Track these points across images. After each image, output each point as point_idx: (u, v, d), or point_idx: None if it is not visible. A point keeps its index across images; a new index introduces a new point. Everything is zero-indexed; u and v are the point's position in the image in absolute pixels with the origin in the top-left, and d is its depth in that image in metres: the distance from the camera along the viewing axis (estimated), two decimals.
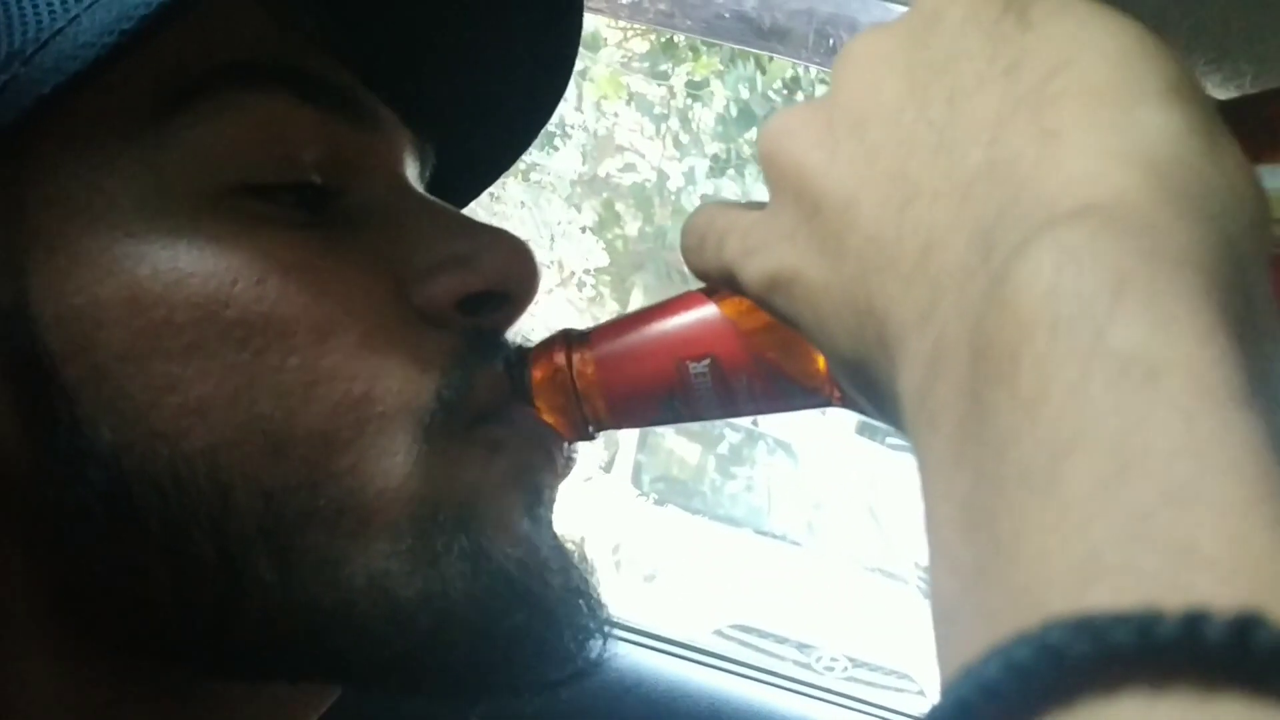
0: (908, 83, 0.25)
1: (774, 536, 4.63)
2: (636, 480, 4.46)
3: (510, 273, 0.38)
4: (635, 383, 0.36)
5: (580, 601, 0.37)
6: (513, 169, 0.50)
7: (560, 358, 0.37)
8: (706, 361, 0.35)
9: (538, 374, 0.37)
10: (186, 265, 0.33)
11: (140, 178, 0.34)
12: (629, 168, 5.09)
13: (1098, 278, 0.18)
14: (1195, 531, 0.16)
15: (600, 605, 0.38)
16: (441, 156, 0.43)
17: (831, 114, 0.27)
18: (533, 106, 0.47)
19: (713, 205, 0.33)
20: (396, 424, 0.35)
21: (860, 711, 0.92)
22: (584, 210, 5.24)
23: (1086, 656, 0.15)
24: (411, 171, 0.41)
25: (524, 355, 0.38)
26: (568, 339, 0.37)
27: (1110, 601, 0.15)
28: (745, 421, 5.18)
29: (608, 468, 4.41)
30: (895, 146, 0.25)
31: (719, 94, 4.96)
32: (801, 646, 3.86)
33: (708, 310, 0.35)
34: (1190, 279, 0.18)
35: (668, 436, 4.76)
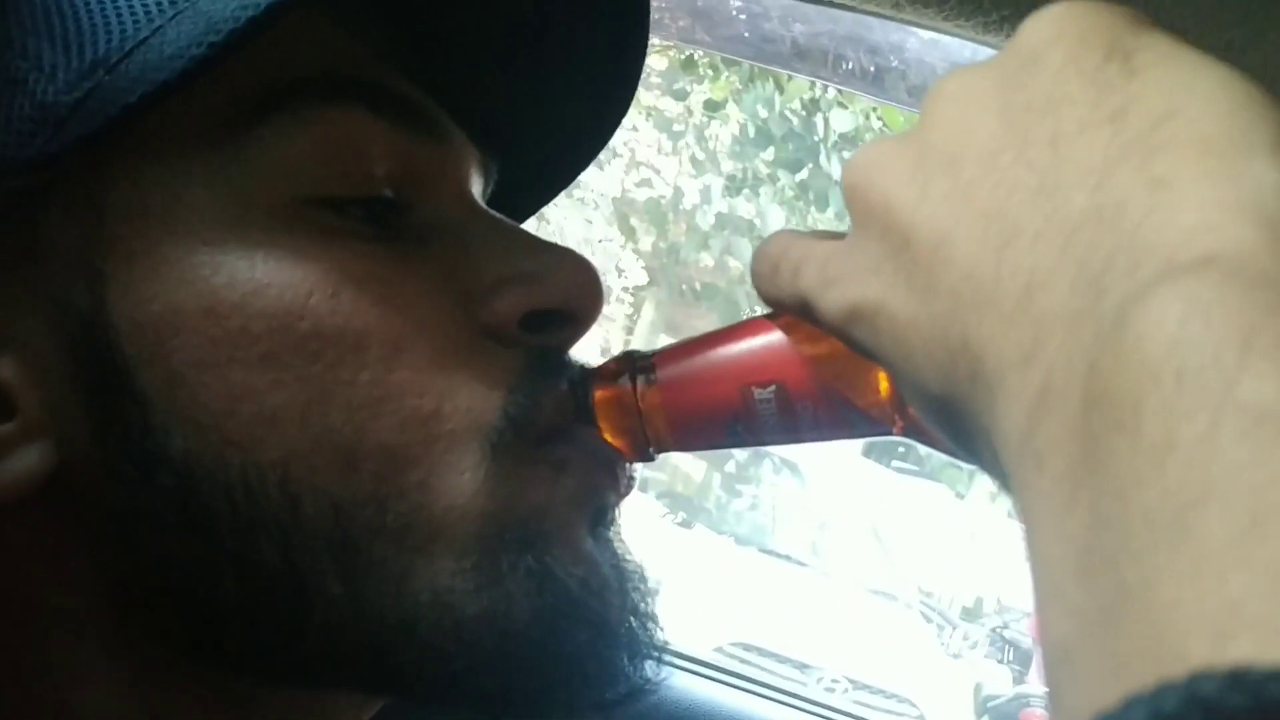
0: (1005, 124, 0.25)
1: (778, 555, 4.63)
2: (641, 494, 4.47)
3: (575, 291, 0.38)
4: (699, 406, 0.36)
5: (639, 622, 0.37)
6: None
7: (625, 379, 0.37)
8: (772, 388, 0.35)
9: (601, 395, 0.37)
10: (263, 276, 0.34)
11: (218, 188, 0.34)
12: (645, 183, 5.11)
13: (1225, 329, 0.19)
14: None
15: (657, 625, 0.38)
16: (502, 173, 0.44)
17: (922, 150, 0.27)
18: (595, 125, 0.47)
19: (787, 233, 0.33)
20: (465, 441, 0.35)
21: None
22: (596, 224, 5.26)
23: (1240, 710, 0.15)
24: (477, 188, 0.41)
25: (588, 375, 0.38)
26: (632, 360, 0.37)
27: (1255, 655, 0.16)
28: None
29: None
30: (993, 186, 0.25)
31: (735, 114, 4.97)
32: (802, 667, 3.86)
33: (774, 337, 0.35)
34: None
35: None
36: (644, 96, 4.95)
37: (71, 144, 0.32)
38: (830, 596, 4.49)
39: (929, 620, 5.10)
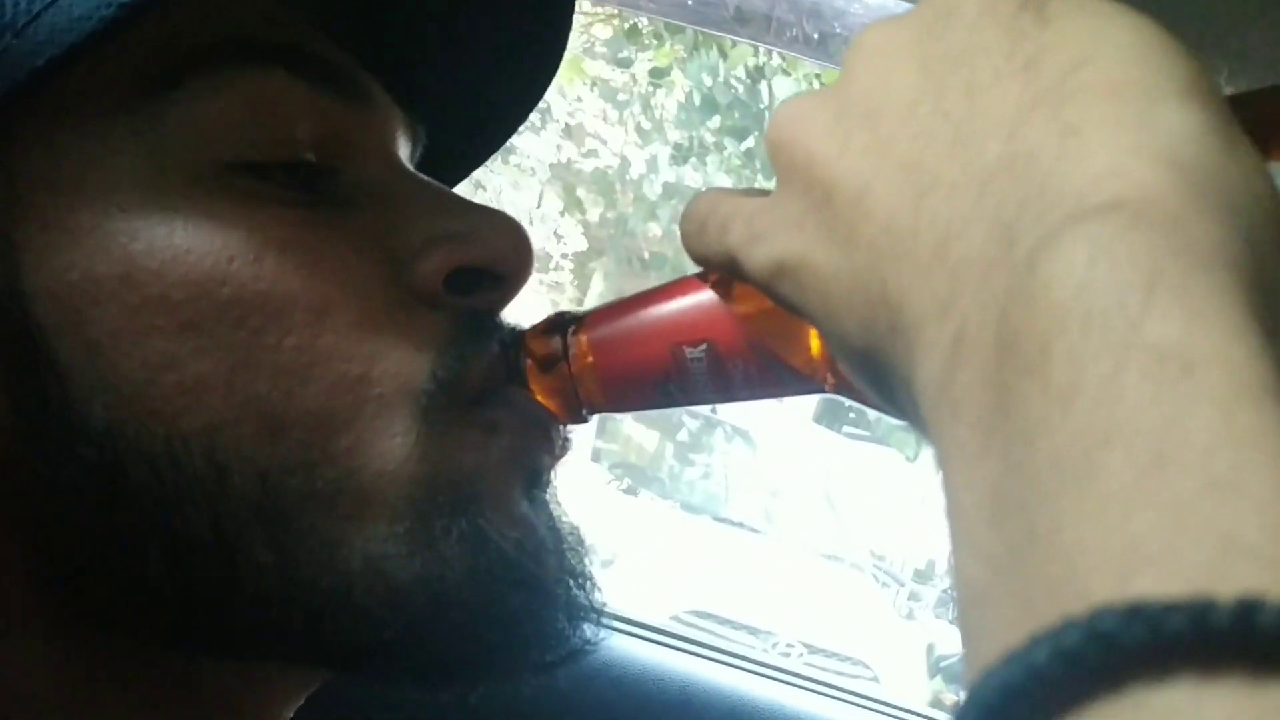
0: (922, 75, 0.25)
1: (731, 523, 4.66)
2: (595, 465, 4.47)
3: (503, 250, 0.38)
4: (630, 367, 0.36)
5: (575, 582, 0.37)
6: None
7: (556, 341, 0.37)
8: (703, 347, 0.35)
9: (533, 357, 0.37)
10: (182, 242, 0.33)
11: (135, 153, 0.34)
12: (591, 154, 5.08)
13: (1131, 272, 0.19)
14: (1237, 522, 0.16)
15: (594, 587, 0.38)
16: (431, 138, 0.43)
17: (843, 104, 0.27)
18: (522, 90, 0.46)
19: (715, 191, 0.33)
20: (394, 405, 0.35)
21: (828, 696, 0.93)
22: (546, 196, 5.22)
23: (1139, 642, 0.15)
24: (404, 151, 0.40)
25: (519, 337, 0.38)
26: (563, 322, 0.37)
27: (1157, 590, 0.16)
28: (704, 409, 5.20)
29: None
30: (910, 138, 0.25)
31: (681, 82, 4.96)
32: (757, 633, 3.89)
33: (704, 296, 0.35)
34: (1220, 275, 0.19)
35: (626, 422, 4.76)
36: (589, 66, 4.92)
37: None
38: (784, 562, 4.53)
39: (882, 583, 5.16)
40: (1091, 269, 0.19)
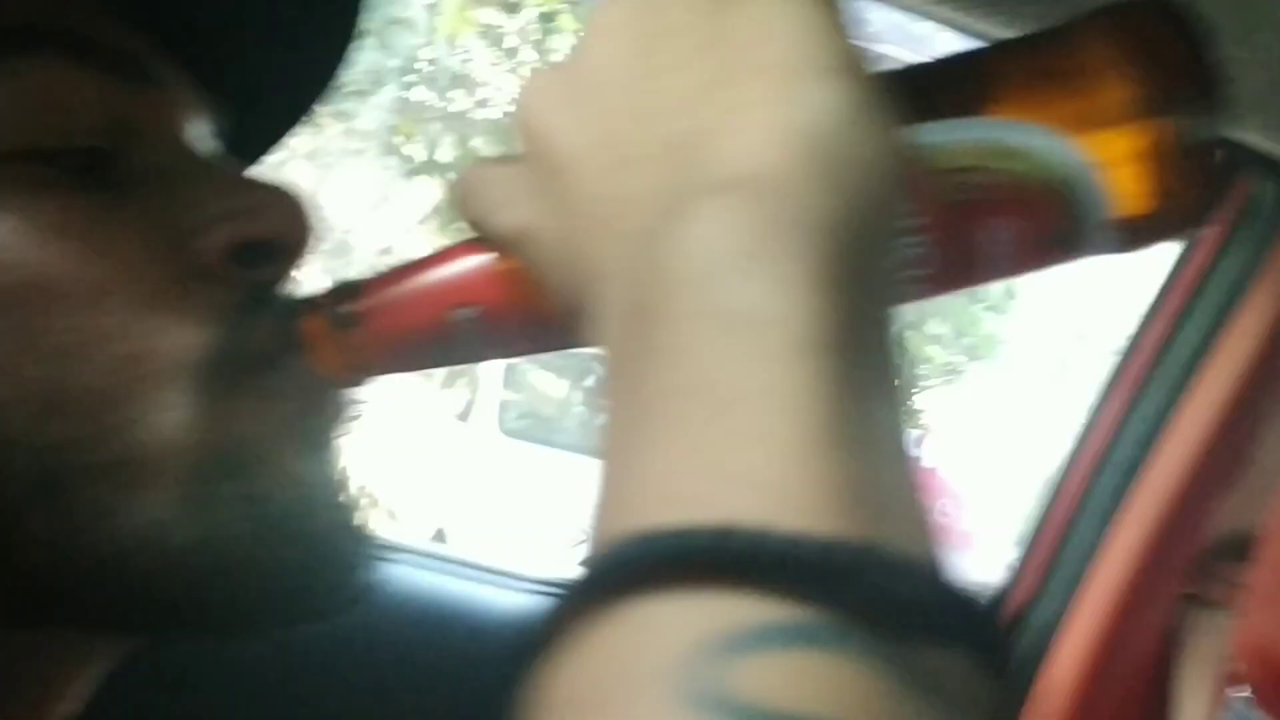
0: (633, 53, 0.27)
1: None
2: (502, 419, 4.48)
3: (282, 223, 0.39)
4: (405, 330, 0.38)
5: (347, 535, 0.39)
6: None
7: (332, 308, 0.38)
8: (473, 309, 0.37)
9: (310, 324, 0.38)
10: None
11: None
12: (483, 103, 5.03)
13: (729, 243, 0.21)
14: (752, 464, 0.19)
15: (367, 538, 0.40)
16: (237, 114, 0.44)
17: (572, 80, 0.29)
18: (319, 64, 0.47)
19: (480, 161, 0.35)
20: (172, 378, 0.36)
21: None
22: (442, 147, 5.16)
23: (635, 560, 0.19)
24: (198, 132, 0.41)
25: (298, 306, 0.39)
26: (340, 290, 0.38)
27: (672, 522, 0.19)
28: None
29: (466, 411, 4.42)
30: (617, 113, 0.27)
31: (570, 25, 4.92)
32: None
33: (476, 259, 0.37)
34: (816, 243, 0.21)
35: (530, 373, 4.77)
36: (478, 16, 4.86)
37: None
38: None
39: None
40: (699, 242, 0.22)
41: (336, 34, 0.47)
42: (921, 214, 0.32)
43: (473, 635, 0.85)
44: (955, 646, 0.19)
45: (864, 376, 0.21)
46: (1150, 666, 1.02)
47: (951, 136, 0.32)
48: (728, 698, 0.17)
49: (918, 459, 0.22)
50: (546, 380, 5.00)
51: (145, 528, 0.36)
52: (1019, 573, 1.06)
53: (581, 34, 0.30)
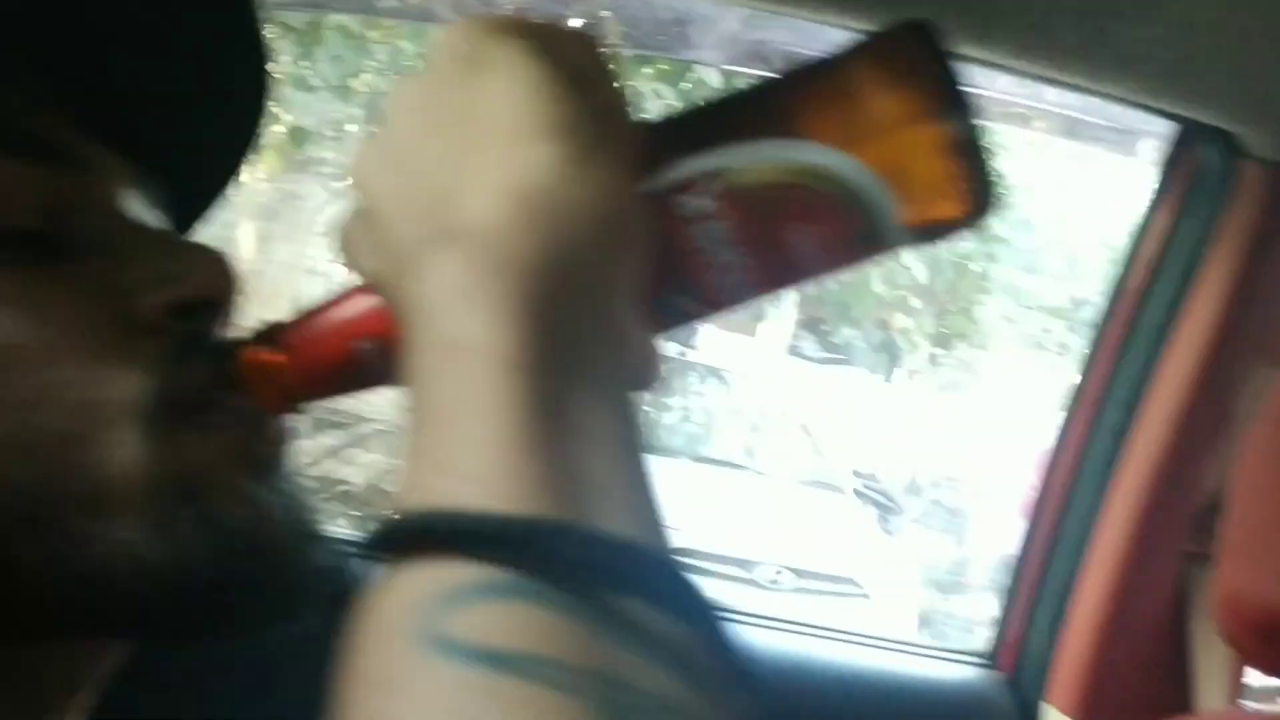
0: (416, 121, 0.33)
1: (713, 462, 4.74)
2: None
3: (212, 282, 0.45)
4: (319, 363, 0.43)
5: (306, 546, 0.45)
6: None
7: (261, 348, 0.44)
8: (370, 340, 0.42)
9: (243, 364, 0.44)
10: None
11: None
12: None
13: (454, 286, 0.27)
14: (461, 460, 0.25)
15: (323, 547, 0.45)
16: (169, 185, 0.50)
17: (382, 145, 0.34)
18: (240, 131, 0.53)
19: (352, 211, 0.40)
20: (122, 420, 0.42)
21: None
22: None
23: (389, 536, 0.25)
24: (134, 200, 0.47)
25: (232, 348, 0.44)
26: (267, 331, 0.44)
27: (414, 507, 0.25)
28: (673, 351, 5.28)
29: None
30: (403, 173, 0.32)
31: None
32: (745, 564, 3.97)
33: (369, 297, 0.42)
34: (523, 283, 0.27)
35: None
36: None
37: None
38: (768, 493, 4.62)
39: (866, 502, 5.26)
40: (430, 284, 0.27)
41: (250, 102, 0.52)
42: (733, 227, 0.36)
43: None
44: (641, 598, 0.24)
45: (568, 391, 0.26)
46: (1163, 625, 1.03)
47: (755, 157, 0.36)
48: (450, 639, 0.22)
49: (645, 458, 0.27)
50: None
51: (120, 548, 0.41)
52: (1025, 546, 1.08)
53: (391, 102, 0.35)
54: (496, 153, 0.29)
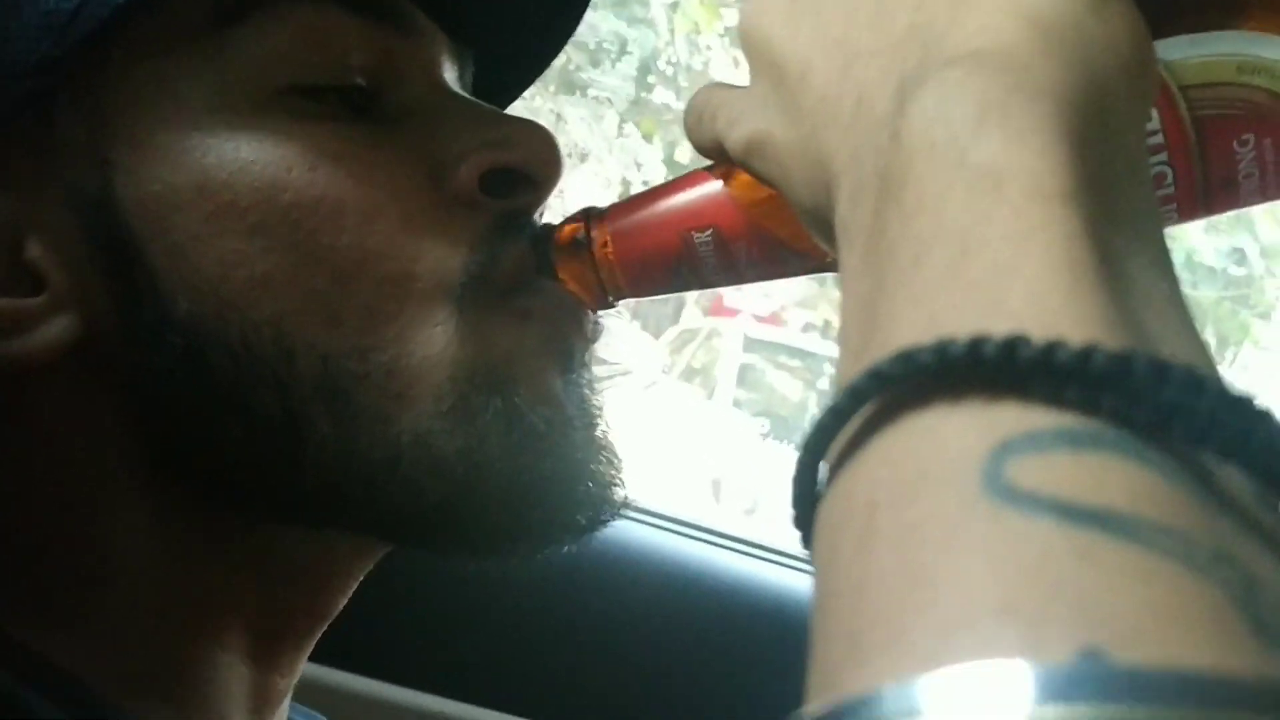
0: None
1: None
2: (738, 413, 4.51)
3: (533, 154, 0.42)
4: (646, 254, 0.40)
5: (602, 454, 0.41)
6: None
7: (580, 233, 0.40)
8: (709, 232, 0.38)
9: (560, 248, 0.41)
10: (248, 155, 0.38)
11: (206, 80, 0.39)
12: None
13: (967, 107, 0.22)
14: (1006, 294, 0.20)
15: (619, 459, 0.42)
16: (480, 63, 0.47)
17: None
18: (561, 10, 0.50)
19: (708, 85, 0.36)
20: (435, 297, 0.39)
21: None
22: (681, 147, 5.22)
23: (899, 376, 0.20)
24: (450, 75, 0.45)
25: (549, 231, 0.41)
26: (587, 216, 0.41)
27: (924, 342, 0.20)
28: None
29: (708, 397, 4.46)
30: (842, 18, 0.28)
31: None
32: None
33: (709, 185, 0.39)
34: (1045, 106, 0.22)
35: (768, 371, 4.78)
36: (721, 17, 4.90)
37: (74, 46, 0.37)
38: None
39: None
40: (938, 107, 0.23)
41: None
42: (1166, 132, 0.31)
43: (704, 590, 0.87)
44: (1252, 470, 0.18)
45: (1113, 229, 0.21)
46: None
47: (1199, 51, 0.31)
48: (1032, 492, 0.17)
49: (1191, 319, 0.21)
50: (782, 381, 5.01)
51: (414, 436, 0.39)
52: None
53: None
54: None
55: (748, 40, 0.32)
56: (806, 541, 0.22)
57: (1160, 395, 0.18)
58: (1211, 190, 0.32)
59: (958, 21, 0.25)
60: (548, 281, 0.41)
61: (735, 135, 0.32)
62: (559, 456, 0.40)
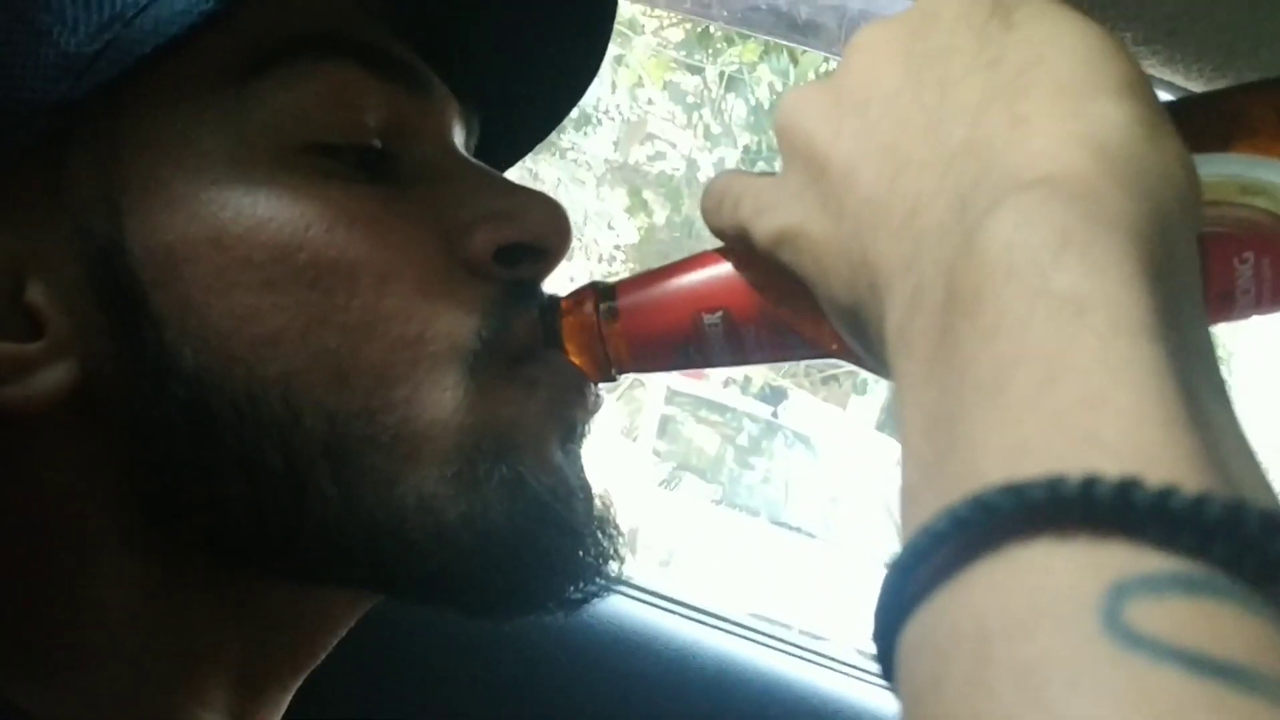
0: (905, 70, 0.29)
1: (790, 528, 4.67)
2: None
3: (545, 228, 0.42)
4: (655, 331, 0.40)
5: (601, 527, 0.42)
6: (550, 148, 0.54)
7: (589, 306, 0.41)
8: (719, 314, 0.39)
9: (568, 320, 0.41)
10: (265, 211, 0.38)
11: (226, 132, 0.38)
12: (659, 156, 5.12)
13: (1046, 233, 0.23)
14: (1100, 427, 0.20)
15: (618, 532, 0.42)
16: (485, 126, 0.48)
17: (838, 93, 0.31)
18: (568, 82, 0.51)
19: (731, 171, 0.37)
20: (445, 362, 0.39)
21: (866, 681, 0.96)
22: (612, 197, 5.27)
23: (1008, 509, 0.20)
24: (459, 138, 0.45)
25: (556, 303, 0.42)
26: (596, 289, 0.41)
27: (1026, 473, 0.20)
28: (765, 413, 5.22)
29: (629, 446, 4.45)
30: (891, 124, 0.29)
31: (755, 85, 4.99)
32: (812, 638, 3.89)
33: (722, 267, 0.39)
34: (1120, 237, 0.23)
35: (687, 424, 4.80)
36: (659, 70, 4.96)
37: (92, 90, 0.36)
38: (841, 569, 4.53)
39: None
40: (1016, 231, 0.23)
41: (584, 55, 0.50)
42: None
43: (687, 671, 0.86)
44: None
45: (1187, 362, 0.22)
46: None
47: (1204, 171, 0.32)
48: (1154, 637, 0.17)
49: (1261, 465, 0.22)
50: (700, 433, 5.03)
51: (419, 499, 0.38)
52: None
53: (847, 54, 0.32)
54: (1053, 104, 0.26)
55: (786, 133, 0.32)
56: (885, 657, 0.22)
57: (1271, 546, 0.18)
58: (1209, 303, 0.33)
59: (1017, 142, 0.25)
60: (553, 352, 0.41)
61: (764, 225, 0.33)
62: (561, 527, 0.40)
